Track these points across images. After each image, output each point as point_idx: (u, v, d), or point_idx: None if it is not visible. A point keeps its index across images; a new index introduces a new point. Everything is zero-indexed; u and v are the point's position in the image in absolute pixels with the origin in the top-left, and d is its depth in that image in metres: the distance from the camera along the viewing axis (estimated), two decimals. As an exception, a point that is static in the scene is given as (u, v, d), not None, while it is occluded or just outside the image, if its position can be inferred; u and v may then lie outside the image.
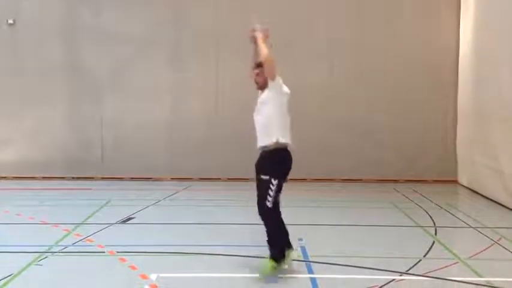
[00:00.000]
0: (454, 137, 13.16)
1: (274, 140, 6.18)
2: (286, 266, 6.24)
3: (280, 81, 6.34)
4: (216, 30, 13.21)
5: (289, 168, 6.30)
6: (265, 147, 6.23)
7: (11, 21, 13.22)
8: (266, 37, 6.34)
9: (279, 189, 6.13)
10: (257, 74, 6.32)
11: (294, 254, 6.36)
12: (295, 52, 13.14)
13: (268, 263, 6.12)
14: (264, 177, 6.13)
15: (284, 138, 6.26)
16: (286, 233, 6.29)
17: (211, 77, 13.27)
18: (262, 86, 6.34)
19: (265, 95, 6.32)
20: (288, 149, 6.31)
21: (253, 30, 6.38)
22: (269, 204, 6.05)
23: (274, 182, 6.09)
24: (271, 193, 6.06)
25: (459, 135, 12.99)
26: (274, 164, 6.18)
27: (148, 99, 13.37)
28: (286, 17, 13.13)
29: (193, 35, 13.27)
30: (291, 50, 13.10)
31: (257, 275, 6.11)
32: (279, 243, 6.18)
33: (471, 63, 12.15)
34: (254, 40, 6.40)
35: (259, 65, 6.29)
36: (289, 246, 6.28)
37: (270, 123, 6.22)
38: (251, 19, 6.54)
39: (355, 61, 13.23)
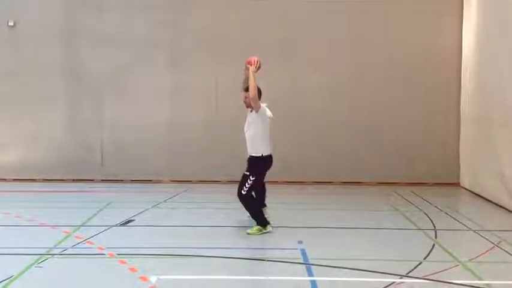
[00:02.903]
0: (456, 140, 13.13)
1: (259, 154, 8.17)
2: (271, 229, 8.18)
3: (264, 108, 8.20)
4: (215, 33, 13.21)
5: (268, 168, 8.36)
6: (252, 156, 8.25)
7: (11, 23, 13.24)
8: (258, 68, 8.14)
9: (254, 183, 8.12)
10: (245, 97, 8.18)
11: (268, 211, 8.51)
12: (296, 53, 13.17)
13: (255, 228, 8.13)
14: (246, 173, 8.18)
15: (266, 151, 8.23)
16: (262, 200, 8.57)
17: (211, 80, 13.28)
18: (249, 106, 8.22)
19: (252, 117, 8.24)
20: (269, 154, 8.28)
21: (249, 62, 8.12)
22: (244, 192, 8.10)
23: (252, 178, 8.09)
24: (247, 185, 8.07)
25: (462, 138, 12.97)
26: (257, 168, 8.22)
27: (148, 101, 13.38)
28: (287, 19, 13.16)
29: (193, 38, 13.28)
30: (292, 52, 13.12)
31: (258, 277, 6.12)
32: (260, 215, 8.21)
33: (473, 66, 12.15)
34: (247, 68, 8.14)
35: (246, 90, 8.11)
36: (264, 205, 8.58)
37: (256, 140, 8.19)
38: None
39: (356, 63, 13.24)
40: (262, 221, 8.19)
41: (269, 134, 8.29)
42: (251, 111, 8.24)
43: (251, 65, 8.10)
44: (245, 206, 8.25)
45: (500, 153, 10.41)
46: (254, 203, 8.26)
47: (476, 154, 11.89)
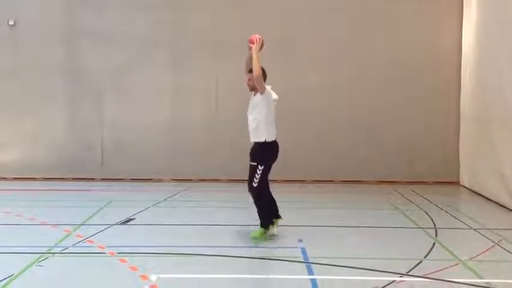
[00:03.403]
0: (456, 139, 13.13)
1: (262, 140, 7.61)
2: (275, 232, 7.75)
3: (269, 90, 7.70)
4: (215, 32, 13.21)
5: (274, 156, 7.76)
6: (255, 142, 7.70)
7: (11, 23, 13.23)
8: (261, 47, 7.70)
9: (264, 173, 7.60)
10: (249, 79, 7.68)
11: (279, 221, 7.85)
12: (296, 53, 13.17)
13: (259, 231, 7.68)
14: (252, 163, 7.66)
15: (270, 137, 7.66)
16: (274, 205, 7.82)
17: (211, 80, 13.28)
18: (253, 89, 7.72)
19: (256, 100, 7.69)
20: (274, 140, 7.72)
21: (251, 41, 7.71)
22: (255, 185, 7.60)
23: (261, 168, 7.57)
24: (257, 176, 7.56)
25: (461, 137, 12.99)
26: (262, 155, 7.65)
27: (149, 100, 13.37)
28: (287, 19, 13.15)
29: (193, 38, 13.28)
30: (292, 51, 13.12)
31: (259, 275, 6.13)
32: (266, 214, 7.69)
33: (473, 65, 12.14)
34: (250, 48, 7.69)
35: (250, 71, 7.62)
36: (277, 216, 7.81)
37: (259, 125, 7.62)
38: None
39: (356, 62, 13.23)
40: (266, 222, 7.69)
41: (274, 118, 7.74)
42: (255, 94, 7.70)
43: (253, 43, 7.64)
44: (256, 201, 7.73)
45: (500, 152, 10.43)
46: (266, 200, 7.72)
47: (476, 153, 11.90)
